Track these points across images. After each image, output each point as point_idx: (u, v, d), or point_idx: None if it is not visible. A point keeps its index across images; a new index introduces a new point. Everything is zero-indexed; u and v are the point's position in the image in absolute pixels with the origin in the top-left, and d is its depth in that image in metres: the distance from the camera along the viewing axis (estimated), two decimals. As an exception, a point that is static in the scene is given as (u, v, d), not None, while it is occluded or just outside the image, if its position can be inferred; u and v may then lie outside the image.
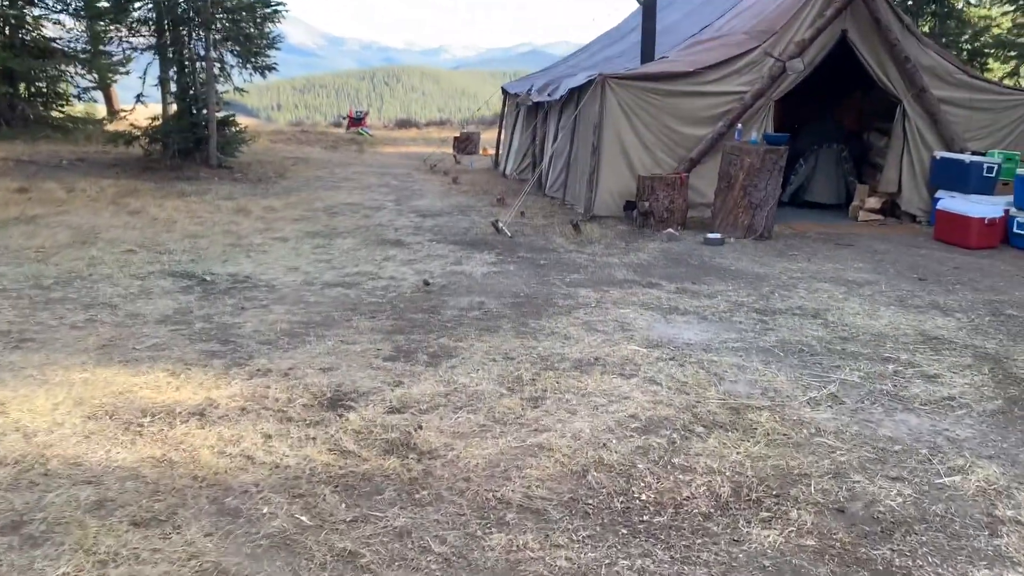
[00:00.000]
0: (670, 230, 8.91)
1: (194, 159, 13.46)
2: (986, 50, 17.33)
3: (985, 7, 18.47)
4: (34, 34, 19.14)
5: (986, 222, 8.82)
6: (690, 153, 9.82)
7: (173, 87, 14.10)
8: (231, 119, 14.05)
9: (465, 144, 21.47)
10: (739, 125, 9.42)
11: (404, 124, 40.54)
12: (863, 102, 12.50)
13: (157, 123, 13.75)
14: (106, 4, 14.33)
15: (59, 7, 18.59)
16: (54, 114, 19.77)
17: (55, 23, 19.08)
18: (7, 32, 18.84)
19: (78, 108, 20.88)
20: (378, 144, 23.86)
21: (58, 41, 19.01)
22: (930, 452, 3.76)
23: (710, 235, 8.70)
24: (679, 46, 10.84)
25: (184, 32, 13.62)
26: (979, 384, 4.66)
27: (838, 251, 8.57)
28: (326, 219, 9.51)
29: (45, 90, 19.88)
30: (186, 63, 13.70)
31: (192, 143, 13.20)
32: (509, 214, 9.53)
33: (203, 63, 13.47)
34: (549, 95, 11.90)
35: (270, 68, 14.19)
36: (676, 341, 5.29)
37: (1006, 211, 8.96)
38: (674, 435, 3.87)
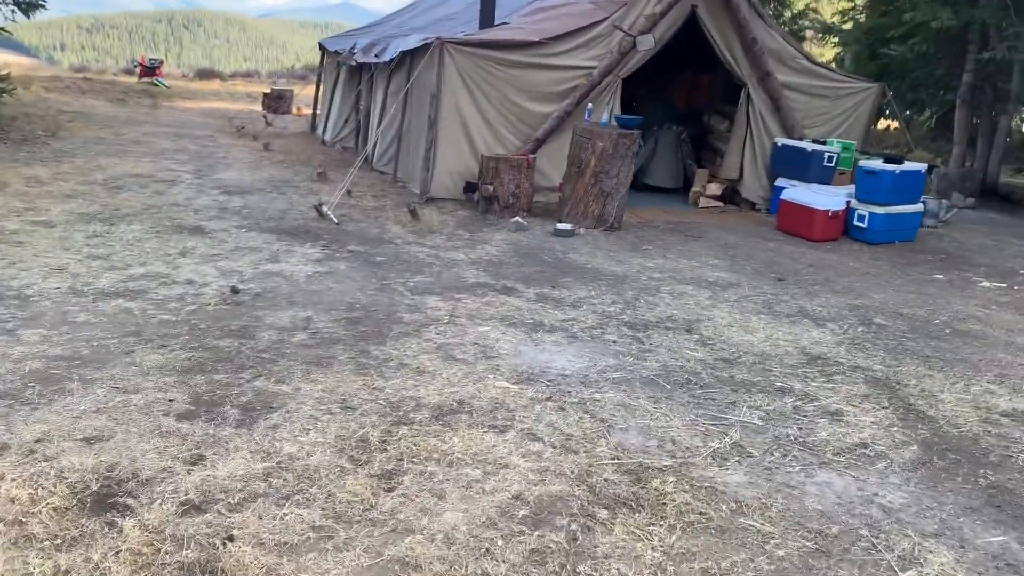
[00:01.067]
0: (517, 219, 8.06)
1: (-64, 111, 11.02)
2: (802, 33, 17.80)
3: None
4: None
5: (830, 214, 8.67)
6: (536, 132, 9.00)
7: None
8: (-14, 64, 11.63)
9: (277, 103, 19.60)
10: (589, 105, 8.70)
11: (206, 75, 37.09)
12: (698, 82, 12.25)
13: None
14: None
15: None
16: None
17: None
18: None
19: None
20: (175, 97, 21.37)
21: None
22: (871, 533, 3.14)
23: (560, 226, 7.95)
24: (521, 11, 9.94)
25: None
26: (886, 423, 4.16)
27: (690, 244, 8.09)
28: (106, 196, 7.84)
29: None
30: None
31: (-67, 91, 10.76)
32: (334, 195, 8.29)
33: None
34: (376, 56, 10.64)
35: (36, 6, 11.84)
36: (549, 372, 4.44)
37: (848, 203, 8.86)
38: (573, 525, 3.01)
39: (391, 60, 9.98)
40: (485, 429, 3.69)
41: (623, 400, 4.16)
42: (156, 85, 22.85)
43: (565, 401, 4.08)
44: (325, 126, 13.78)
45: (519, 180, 8.41)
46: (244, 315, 4.92)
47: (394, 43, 10.36)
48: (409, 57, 9.66)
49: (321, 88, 14.81)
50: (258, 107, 20.41)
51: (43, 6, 11.90)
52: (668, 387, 4.40)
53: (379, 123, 10.85)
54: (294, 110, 19.92)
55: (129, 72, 32.56)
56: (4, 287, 4.96)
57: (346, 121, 13.02)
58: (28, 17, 11.86)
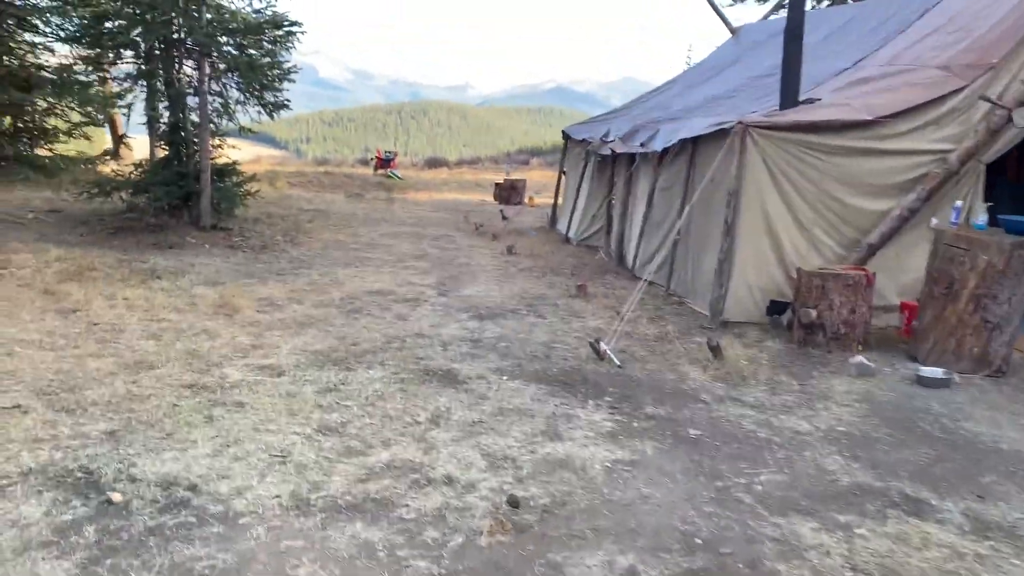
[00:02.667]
0: (860, 359, 5.89)
1: (183, 217, 10.69)
2: None
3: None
4: (24, 61, 16.65)
5: None
6: (867, 236, 6.86)
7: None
8: (232, 167, 11.28)
9: (509, 193, 18.70)
10: (958, 202, 6.45)
11: (434, 164, 37.99)
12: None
13: (141, 171, 11.04)
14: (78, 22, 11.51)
15: (49, 30, 16.03)
16: (40, 153, 17.22)
17: (42, 47, 16.58)
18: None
19: (71, 146, 18.30)
20: (408, 188, 21.19)
21: (47, 70, 16.48)
22: None
23: (925, 371, 5.69)
24: (830, 83, 7.93)
25: (177, 59, 10.94)
26: None
27: None
28: (343, 323, 6.61)
29: (32, 125, 17.31)
30: (178, 96, 10.98)
31: (180, 198, 10.42)
32: (614, 327, 6.58)
33: (198, 98, 10.73)
34: (642, 145, 9.01)
35: (281, 106, 11.44)
36: None
37: None
38: None
39: (667, 148, 8.28)
40: None
41: None
42: (391, 177, 22.94)
43: None
44: (569, 222, 12.33)
45: (854, 303, 6.28)
46: (535, 561, 3.17)
47: (665, 129, 8.69)
48: (691, 145, 7.92)
49: (564, 179, 13.47)
50: (488, 197, 19.67)
51: (287, 106, 11.52)
52: None
53: (643, 223, 9.16)
54: (526, 199, 18.94)
55: (364, 163, 33.86)
56: (209, 496, 3.56)
57: (594, 217, 11.50)
58: (273, 118, 11.52)
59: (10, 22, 16.39)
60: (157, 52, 10.86)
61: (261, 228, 11.37)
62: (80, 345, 5.62)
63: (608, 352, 5.84)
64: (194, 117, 10.65)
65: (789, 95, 7.64)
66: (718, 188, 7.15)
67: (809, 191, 6.87)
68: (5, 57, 16.39)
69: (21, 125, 17.35)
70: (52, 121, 17.55)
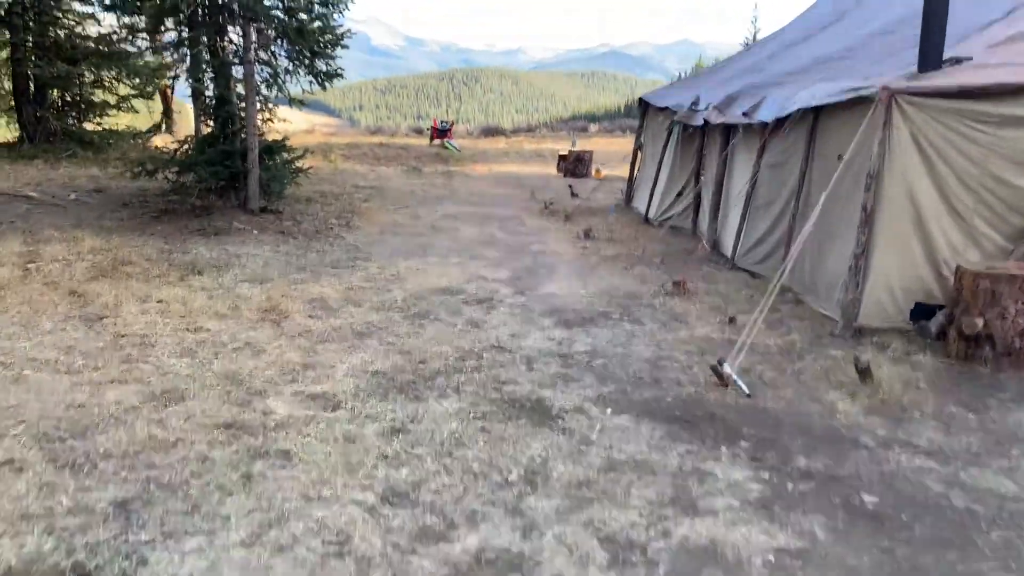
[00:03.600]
0: (1052, 385, 4.72)
1: (230, 200, 9.84)
2: None
3: None
4: (71, 32, 15.98)
5: None
6: (1042, 226, 5.61)
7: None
8: (282, 144, 10.35)
9: (575, 165, 17.53)
10: None
11: (490, 132, 36.85)
12: None
13: (187, 149, 10.22)
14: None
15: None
16: (88, 127, 16.60)
17: (88, 17, 15.88)
18: (35, 30, 15.69)
19: (122, 119, 17.63)
20: (466, 161, 20.16)
21: (91, 40, 15.78)
22: None
23: None
24: (979, 38, 6.58)
25: (221, 25, 10.01)
26: None
27: None
28: (407, 334, 5.63)
29: (79, 99, 16.67)
30: (223, 67, 10.07)
31: (226, 178, 9.55)
32: (726, 341, 5.50)
33: (244, 68, 9.80)
34: (746, 115, 7.80)
35: (334, 75, 10.45)
36: None
37: None
38: None
39: (785, 119, 7.06)
40: None
41: None
42: (447, 148, 21.95)
43: None
44: (649, 200, 11.16)
45: (1034, 312, 5.08)
46: None
47: (775, 96, 7.46)
48: (812, 116, 6.71)
49: (641, 151, 12.28)
50: (552, 169, 18.55)
51: (340, 75, 10.55)
52: None
53: (745, 205, 7.98)
54: (592, 172, 17.76)
55: (418, 132, 32.94)
56: (241, 616, 2.61)
57: (679, 195, 10.33)
58: (324, 88, 10.57)
59: (53, -11, 15.72)
60: (200, 18, 9.94)
61: (314, 209, 10.48)
62: (101, 366, 4.75)
63: (735, 378, 4.76)
64: (240, 89, 9.74)
65: (932, 53, 6.32)
66: (848, 167, 5.95)
67: (970, 172, 5.63)
68: (51, 28, 15.80)
69: (69, 99, 16.79)
70: (100, 94, 16.95)
